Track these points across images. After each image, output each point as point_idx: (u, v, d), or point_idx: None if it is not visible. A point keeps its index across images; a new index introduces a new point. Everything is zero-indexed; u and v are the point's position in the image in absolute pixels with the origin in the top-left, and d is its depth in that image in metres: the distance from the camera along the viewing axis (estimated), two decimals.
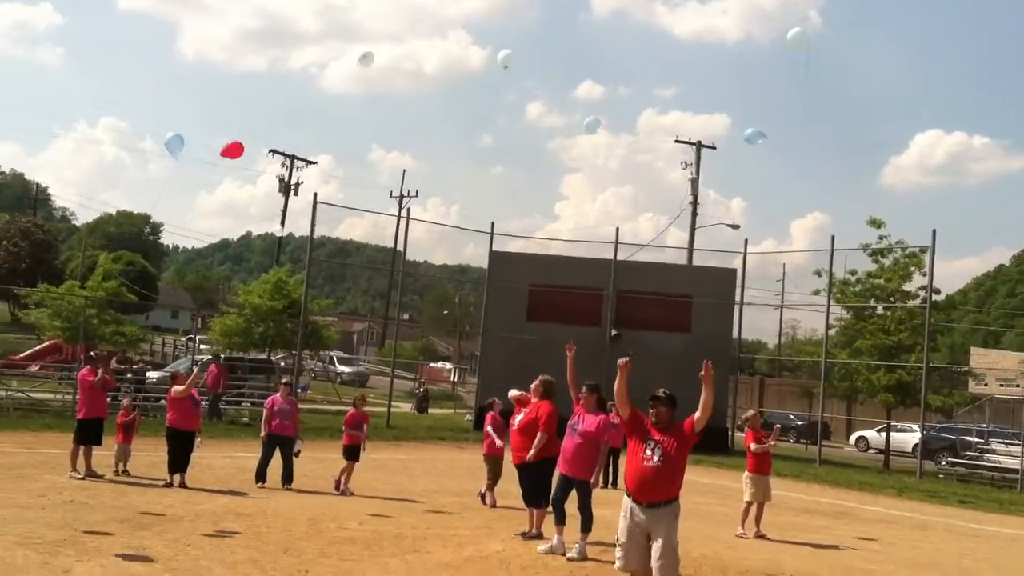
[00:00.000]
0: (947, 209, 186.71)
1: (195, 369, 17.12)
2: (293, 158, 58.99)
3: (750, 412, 15.37)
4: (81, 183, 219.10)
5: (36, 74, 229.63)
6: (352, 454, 15.06)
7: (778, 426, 15.30)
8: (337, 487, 14.83)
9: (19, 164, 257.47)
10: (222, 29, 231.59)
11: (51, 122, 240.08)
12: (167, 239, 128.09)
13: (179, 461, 14.05)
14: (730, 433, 30.42)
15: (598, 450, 10.82)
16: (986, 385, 38.74)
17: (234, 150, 24.43)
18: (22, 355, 36.70)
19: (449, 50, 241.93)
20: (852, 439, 42.01)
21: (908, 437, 35.52)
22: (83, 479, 13.88)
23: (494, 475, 14.48)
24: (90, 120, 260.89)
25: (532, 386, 11.89)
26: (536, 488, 11.32)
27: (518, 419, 11.79)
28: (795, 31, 24.03)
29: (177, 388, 14.54)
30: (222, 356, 30.10)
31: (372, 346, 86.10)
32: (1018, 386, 32.82)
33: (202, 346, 37.28)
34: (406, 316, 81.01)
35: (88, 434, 14.28)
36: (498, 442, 14.21)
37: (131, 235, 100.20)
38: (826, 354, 30.59)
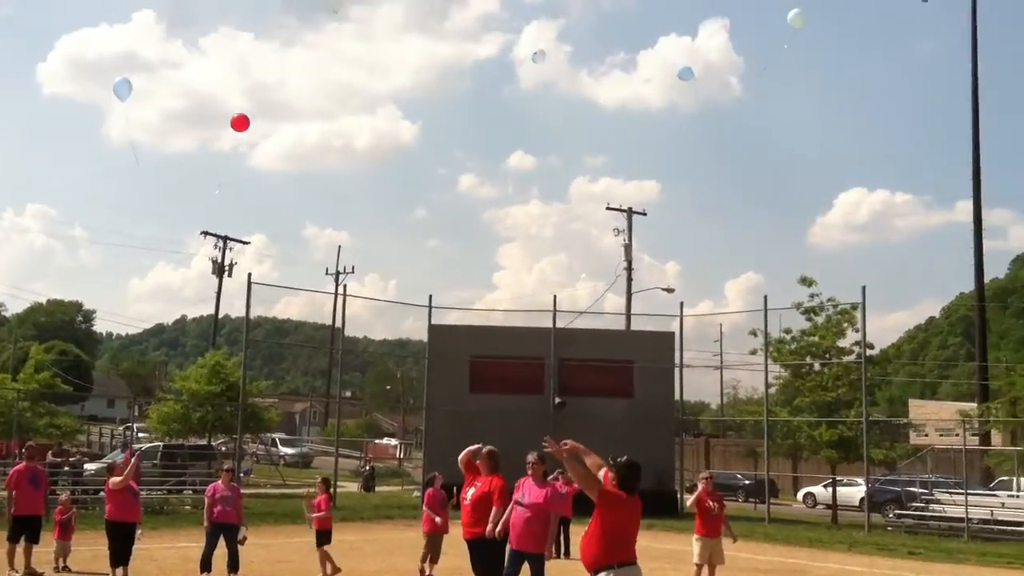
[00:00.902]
0: (875, 265, 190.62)
1: (132, 459, 16.74)
2: (226, 239, 58.48)
3: (704, 473, 15.41)
4: (10, 273, 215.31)
5: None
6: (324, 538, 14.91)
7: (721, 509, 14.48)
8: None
9: None
10: (148, 111, 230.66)
11: None
12: (100, 326, 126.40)
13: (121, 554, 13.65)
14: (679, 496, 30.42)
15: (548, 522, 10.71)
16: (926, 436, 39.43)
17: (241, 122, 23.57)
18: None
19: (379, 125, 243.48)
20: (800, 495, 42.21)
21: (854, 491, 35.77)
22: None
23: (434, 552, 14.47)
24: (17, 208, 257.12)
25: (475, 460, 11.56)
26: (490, 565, 11.14)
27: (469, 493, 11.60)
28: (795, 12, 24.65)
29: (114, 479, 14.18)
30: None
31: (315, 426, 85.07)
32: (957, 435, 33.44)
33: (140, 434, 36.55)
34: (348, 393, 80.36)
35: (23, 531, 13.86)
36: (437, 519, 14.23)
37: (63, 323, 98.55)
38: (767, 413, 30.83)
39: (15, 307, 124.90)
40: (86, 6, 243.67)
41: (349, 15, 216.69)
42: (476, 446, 11.47)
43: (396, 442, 64.48)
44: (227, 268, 58.16)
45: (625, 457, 7.74)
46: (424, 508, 14.54)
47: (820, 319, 31.13)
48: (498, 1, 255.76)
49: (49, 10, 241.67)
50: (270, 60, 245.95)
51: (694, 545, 13.88)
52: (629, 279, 49.74)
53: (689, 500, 13.83)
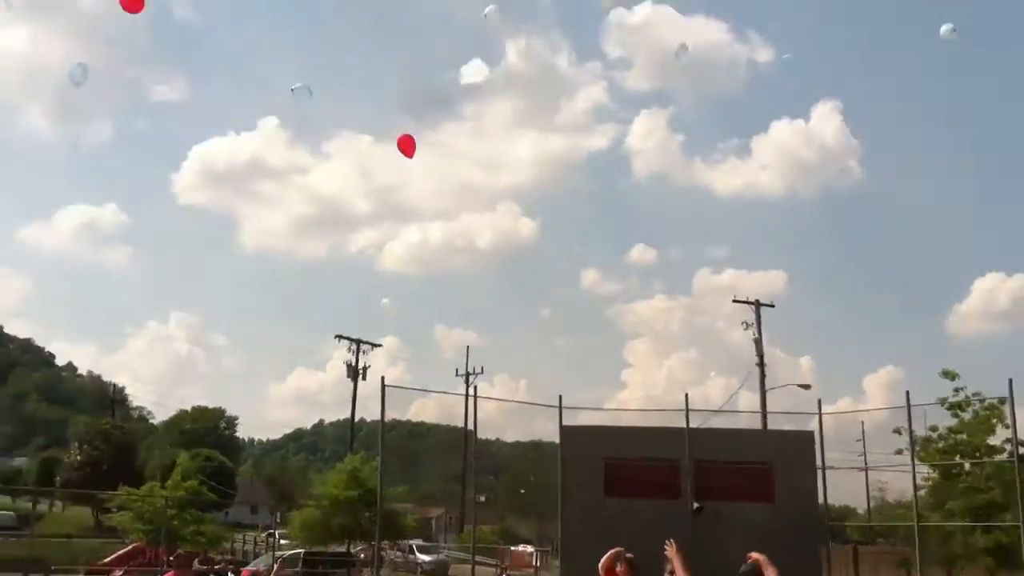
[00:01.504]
0: (1021, 354, 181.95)
1: (275, 567, 17.10)
2: (359, 342, 59.80)
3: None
4: (156, 381, 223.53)
5: (105, 274, 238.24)
6: None
7: None
8: None
9: (96, 366, 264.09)
10: (279, 218, 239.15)
11: (123, 321, 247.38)
12: (242, 432, 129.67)
13: None
14: None
15: None
16: None
17: (407, 144, 24.04)
18: (106, 560, 36.89)
19: (499, 222, 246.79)
20: None
21: None
22: None
23: None
24: (161, 317, 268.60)
25: (617, 565, 11.41)
26: None
27: None
28: (946, 27, 24.84)
29: None
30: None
31: (451, 532, 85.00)
32: None
33: (282, 541, 37.22)
34: (482, 498, 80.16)
35: None
36: None
37: (207, 430, 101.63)
38: (917, 517, 29.57)
39: (162, 414, 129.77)
40: (214, 116, 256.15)
41: (463, 113, 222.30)
42: (618, 549, 11.35)
43: (532, 549, 63.88)
44: (361, 371, 59.39)
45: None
46: None
47: (966, 415, 29.94)
48: (607, 92, 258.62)
49: (180, 120, 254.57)
50: (390, 161, 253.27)
51: None
52: (762, 375, 48.78)
53: None
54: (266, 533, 46.27)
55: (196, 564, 24.52)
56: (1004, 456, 28.94)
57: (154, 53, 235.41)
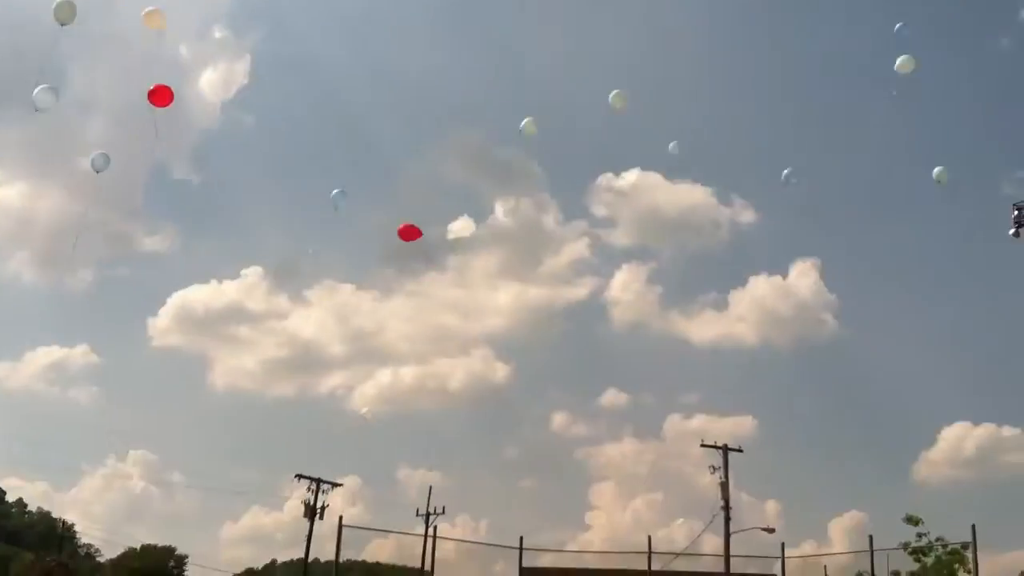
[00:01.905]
0: (986, 501, 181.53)
1: None
2: (319, 481, 58.81)
3: None
4: (108, 518, 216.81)
5: (68, 413, 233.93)
6: None
7: None
8: None
9: (47, 503, 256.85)
10: (251, 360, 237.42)
11: (80, 459, 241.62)
12: (192, 572, 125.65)
13: None
14: None
15: None
16: None
17: (410, 234, 22.98)
18: None
19: (473, 367, 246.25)
20: None
21: None
22: None
23: None
24: (120, 454, 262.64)
25: None
26: None
27: None
28: (938, 170, 25.81)
29: None
30: None
31: None
32: None
33: None
34: None
35: None
36: None
37: (155, 569, 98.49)
38: None
39: (109, 552, 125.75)
40: (199, 264, 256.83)
41: (446, 265, 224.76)
42: None
43: None
44: (319, 511, 58.13)
45: None
46: None
47: (930, 560, 29.73)
48: (589, 247, 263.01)
49: (163, 269, 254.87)
50: (369, 308, 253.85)
51: None
52: (727, 519, 48.26)
53: None
54: None
55: None
56: None
57: (148, 208, 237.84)
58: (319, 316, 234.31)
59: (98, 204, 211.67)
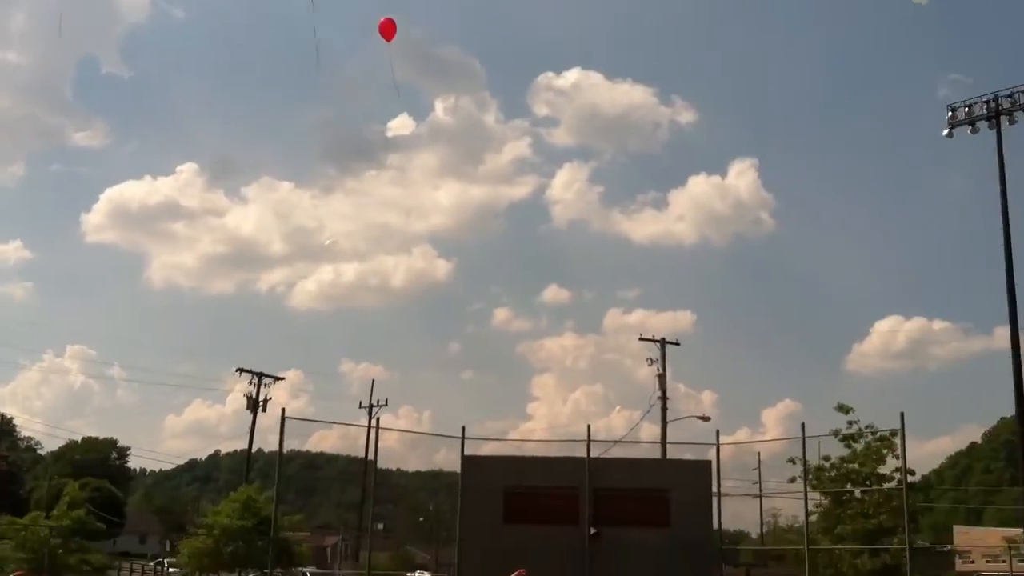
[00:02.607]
0: (914, 391, 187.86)
1: None
2: (260, 375, 59.24)
3: None
4: (47, 413, 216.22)
5: (3, 308, 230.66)
6: None
7: None
8: None
9: None
10: (190, 256, 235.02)
11: (18, 354, 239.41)
12: (134, 463, 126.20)
13: None
14: None
15: None
16: (972, 563, 38.38)
17: (387, 29, 23.21)
18: None
19: (414, 264, 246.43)
20: None
21: None
22: None
23: None
24: (57, 350, 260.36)
25: None
26: None
27: None
28: None
29: None
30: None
31: (347, 560, 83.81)
32: (1004, 562, 32.51)
33: (171, 570, 36.24)
34: (380, 526, 79.36)
35: None
36: None
37: (97, 461, 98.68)
38: (808, 541, 30.14)
39: (51, 445, 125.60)
40: (132, 161, 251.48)
41: (386, 163, 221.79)
42: (521, 571, 11.23)
43: (429, 575, 63.38)
44: (262, 404, 58.69)
45: None
46: None
47: (859, 446, 30.76)
48: (530, 146, 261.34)
49: (96, 165, 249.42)
50: (309, 206, 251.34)
51: None
52: (664, 408, 49.51)
53: None
54: (154, 562, 45.00)
55: None
56: (893, 484, 29.74)
57: (78, 102, 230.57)
58: (258, 213, 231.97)
59: (24, 97, 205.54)
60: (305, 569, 50.59)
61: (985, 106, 38.09)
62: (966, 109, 38.58)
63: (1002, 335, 39.18)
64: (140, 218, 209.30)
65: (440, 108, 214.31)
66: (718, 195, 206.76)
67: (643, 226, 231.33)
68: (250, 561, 34.01)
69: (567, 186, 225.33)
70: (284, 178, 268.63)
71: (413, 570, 71.65)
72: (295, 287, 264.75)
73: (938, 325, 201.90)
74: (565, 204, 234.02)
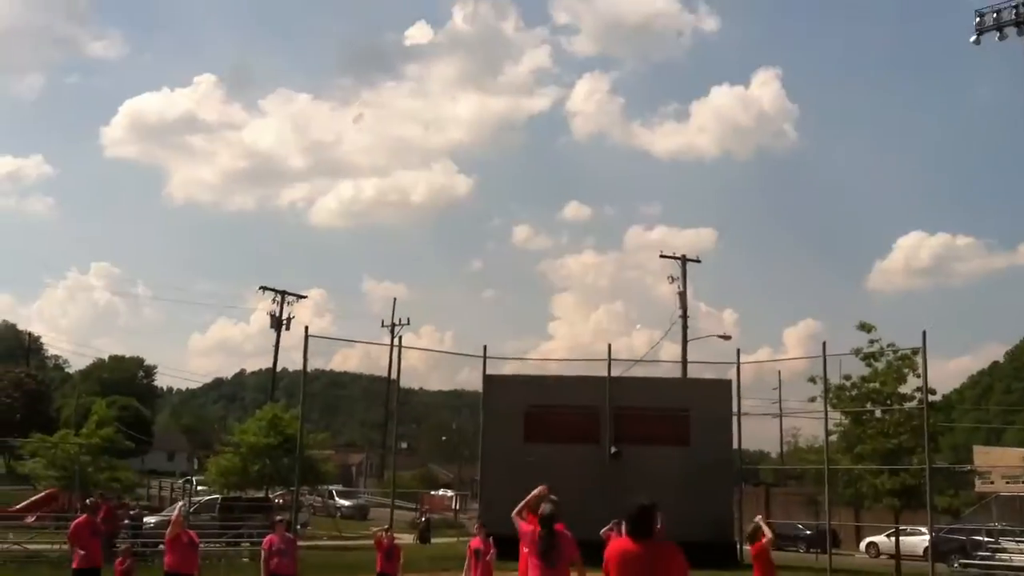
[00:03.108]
0: (936, 310, 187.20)
1: (180, 510, 16.99)
2: (284, 293, 59.53)
3: (759, 519, 15.03)
4: (74, 331, 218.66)
5: (26, 224, 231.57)
6: None
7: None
8: None
9: (11, 315, 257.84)
10: (210, 171, 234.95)
11: (42, 271, 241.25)
12: (161, 382, 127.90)
13: None
14: (738, 546, 29.93)
15: None
16: (992, 483, 38.49)
17: None
18: (18, 506, 36.16)
19: (434, 180, 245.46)
20: (862, 546, 41.34)
21: (918, 540, 34.97)
22: None
23: None
24: (81, 267, 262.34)
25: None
26: None
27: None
28: None
29: (169, 530, 14.40)
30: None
31: (371, 477, 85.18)
32: (1023, 482, 32.62)
33: (199, 487, 36.91)
34: (404, 445, 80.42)
35: None
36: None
37: (125, 380, 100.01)
38: (828, 461, 30.34)
39: (78, 364, 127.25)
40: (149, 72, 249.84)
41: (404, 74, 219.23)
42: (542, 487, 11.19)
43: (452, 493, 64.35)
44: (285, 322, 59.11)
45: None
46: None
47: (880, 365, 30.70)
48: (550, 56, 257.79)
49: (113, 76, 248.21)
50: (327, 119, 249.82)
51: None
52: (684, 327, 49.52)
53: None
54: (183, 480, 45.82)
55: (111, 509, 24.15)
56: (914, 404, 29.76)
57: (93, 12, 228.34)
58: (276, 126, 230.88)
59: (39, 5, 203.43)
60: (330, 487, 51.46)
61: (1014, 11, 37.22)
62: (994, 15, 37.71)
63: None
64: (159, 131, 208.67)
65: (459, 15, 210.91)
66: (741, 106, 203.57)
67: (664, 139, 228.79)
68: (276, 479, 34.59)
69: (587, 97, 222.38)
70: (302, 90, 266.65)
71: (436, 488, 72.78)
72: (315, 204, 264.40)
73: (962, 241, 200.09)
74: (585, 116, 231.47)
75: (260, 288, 59.43)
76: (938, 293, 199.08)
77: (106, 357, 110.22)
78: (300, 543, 17.25)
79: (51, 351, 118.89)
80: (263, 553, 14.96)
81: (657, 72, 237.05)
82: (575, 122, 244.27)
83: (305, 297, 64.17)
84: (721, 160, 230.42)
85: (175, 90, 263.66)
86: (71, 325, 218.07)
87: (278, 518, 16.47)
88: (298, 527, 30.25)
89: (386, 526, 16.89)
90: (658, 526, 7.44)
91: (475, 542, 14.52)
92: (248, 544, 28.33)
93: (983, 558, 28.29)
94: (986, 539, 30.15)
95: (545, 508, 10.01)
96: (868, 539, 40.93)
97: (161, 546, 18.50)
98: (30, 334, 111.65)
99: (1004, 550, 28.40)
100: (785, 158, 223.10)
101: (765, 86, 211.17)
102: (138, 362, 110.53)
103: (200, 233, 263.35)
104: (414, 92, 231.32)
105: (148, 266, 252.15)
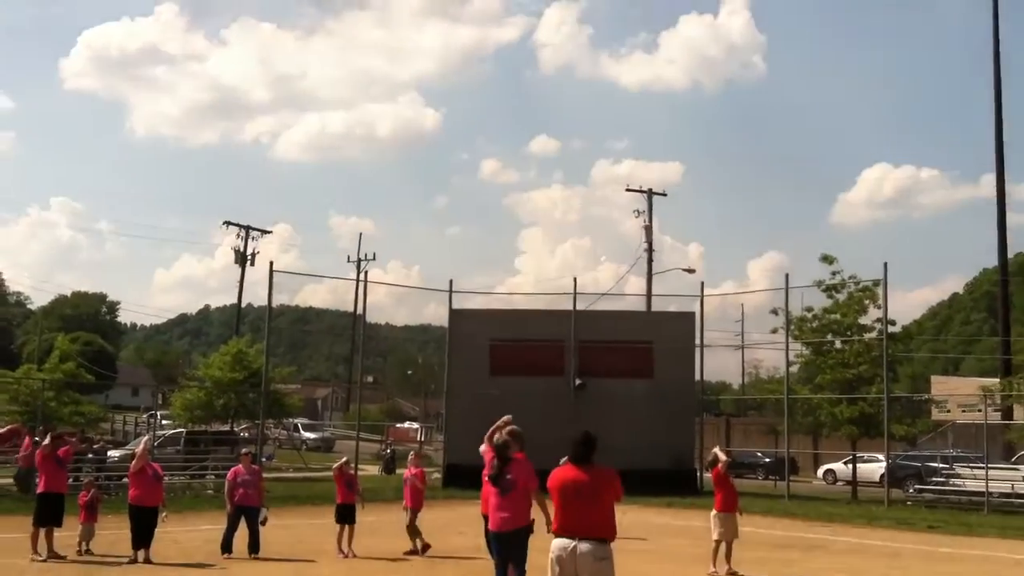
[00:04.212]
0: (899, 242, 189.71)
1: (145, 443, 17.00)
2: (248, 228, 59.13)
3: (716, 449, 15.31)
4: (36, 267, 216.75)
5: None
6: (345, 516, 15.31)
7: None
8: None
9: None
10: (172, 104, 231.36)
11: (2, 207, 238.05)
12: (124, 317, 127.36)
13: (143, 536, 13.85)
14: (698, 474, 30.43)
15: None
16: (948, 412, 39.22)
17: None
18: None
19: (401, 113, 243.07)
20: (820, 473, 42.12)
21: (875, 467, 35.68)
22: (45, 561, 13.65)
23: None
24: (42, 203, 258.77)
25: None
26: None
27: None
28: None
29: (134, 463, 14.42)
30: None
31: (337, 411, 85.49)
32: (979, 411, 33.25)
33: (163, 422, 36.86)
34: (370, 379, 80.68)
35: (48, 514, 14.06)
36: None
37: (88, 316, 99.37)
38: (788, 391, 30.78)
39: (40, 300, 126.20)
40: (108, 0, 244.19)
41: (368, 2, 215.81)
42: (507, 417, 11.40)
43: (417, 426, 64.80)
44: (249, 257, 58.77)
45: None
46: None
47: (842, 297, 31.05)
48: None
49: (71, 5, 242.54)
50: (291, 50, 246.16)
51: (712, 521, 13.96)
52: (650, 260, 49.78)
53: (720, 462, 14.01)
54: (147, 414, 45.77)
55: (74, 441, 24.10)
56: (874, 335, 30.19)
57: None
58: (239, 57, 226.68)
59: None
60: (296, 420, 51.58)
61: None
62: None
63: (990, 183, 39.20)
64: (120, 63, 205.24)
65: None
66: (710, 36, 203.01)
67: (633, 70, 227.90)
68: (242, 412, 34.60)
69: (555, 28, 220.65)
70: (265, 19, 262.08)
71: (402, 421, 73.19)
72: (280, 137, 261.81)
73: (926, 173, 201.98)
74: (554, 48, 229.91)
75: (224, 223, 59.03)
76: (901, 226, 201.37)
77: (68, 293, 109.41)
78: (265, 475, 17.33)
79: (12, 287, 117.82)
80: (228, 484, 15.05)
81: (625, 2, 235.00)
82: (543, 54, 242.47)
83: (270, 232, 63.94)
84: (689, 92, 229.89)
85: (135, 19, 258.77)
86: (32, 261, 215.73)
87: (243, 450, 16.53)
88: (263, 459, 30.37)
89: (345, 458, 16.97)
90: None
91: (408, 471, 16.36)
92: (213, 477, 28.43)
93: (937, 484, 28.93)
94: (941, 465, 30.80)
95: (498, 438, 10.22)
96: (826, 466, 41.70)
97: (125, 479, 18.54)
98: None
99: (958, 476, 29.04)
100: (753, 90, 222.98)
101: (734, 15, 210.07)
102: (101, 298, 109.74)
103: (163, 168, 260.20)
104: (380, 21, 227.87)
105: (110, 201, 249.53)
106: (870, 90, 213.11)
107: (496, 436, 10.42)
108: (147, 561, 13.61)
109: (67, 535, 14.52)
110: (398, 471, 38.06)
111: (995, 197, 41.95)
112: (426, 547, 15.32)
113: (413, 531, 15.54)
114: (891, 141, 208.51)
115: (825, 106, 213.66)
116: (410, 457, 17.63)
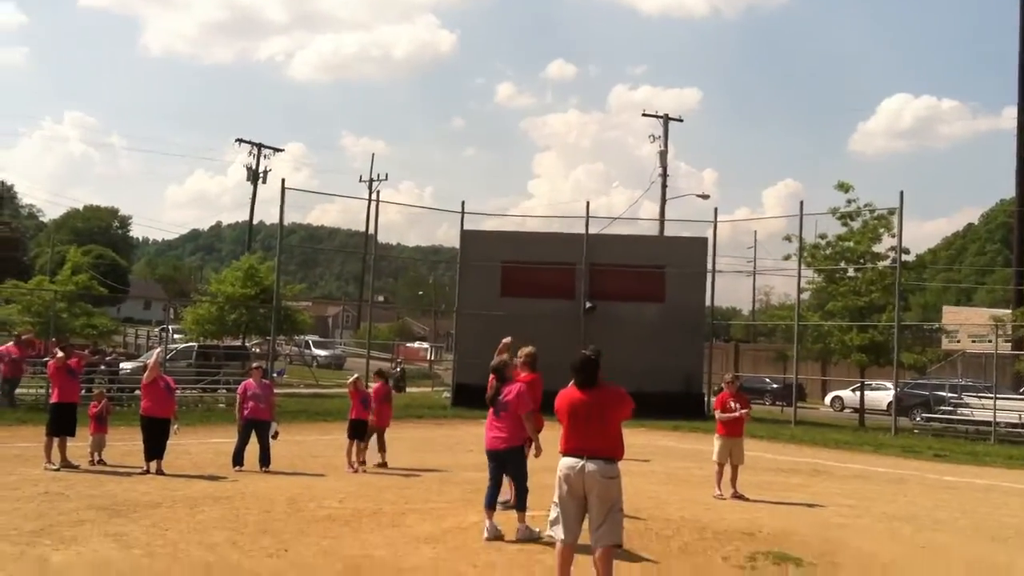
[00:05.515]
0: (917, 172, 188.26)
1: (157, 355, 17.08)
2: (260, 146, 58.90)
3: (728, 375, 15.27)
4: (49, 180, 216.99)
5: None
6: (358, 431, 15.58)
7: (744, 412, 14.12)
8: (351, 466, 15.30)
9: None
10: (188, 22, 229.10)
11: (16, 121, 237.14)
12: (136, 232, 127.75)
13: (155, 448, 13.98)
14: (706, 399, 30.56)
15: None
16: (958, 341, 39.26)
17: None
18: None
19: (417, 35, 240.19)
20: (827, 399, 42.34)
21: (882, 395, 35.81)
22: (58, 470, 13.80)
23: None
24: (56, 117, 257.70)
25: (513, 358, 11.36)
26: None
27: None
28: None
29: (146, 375, 14.49)
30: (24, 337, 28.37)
31: (348, 329, 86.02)
32: (989, 341, 33.21)
33: (175, 336, 37.07)
34: (381, 298, 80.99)
35: (61, 423, 14.20)
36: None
37: (100, 229, 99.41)
38: (798, 317, 30.75)
39: (53, 213, 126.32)
40: None
41: None
42: (507, 339, 11.55)
43: (427, 345, 65.13)
44: (262, 175, 58.63)
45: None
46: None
47: (856, 225, 30.84)
48: None
49: None
50: None
51: (714, 444, 14.03)
52: (664, 186, 49.44)
53: (718, 414, 14.04)
54: (159, 328, 46.04)
55: (86, 354, 24.27)
56: (887, 263, 30.05)
57: None
58: None
59: None
60: (307, 337, 51.88)
61: None
62: None
63: (1010, 115, 38.67)
64: None
65: None
66: None
67: None
68: (253, 328, 34.75)
69: None
70: None
71: (412, 340, 73.59)
72: (295, 57, 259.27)
73: (947, 104, 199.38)
74: None
75: (237, 140, 58.77)
76: (920, 156, 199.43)
77: (81, 207, 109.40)
78: (276, 391, 17.45)
79: (25, 200, 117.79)
80: (238, 398, 15.15)
81: None
82: None
83: (283, 151, 63.67)
84: (709, 18, 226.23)
85: None
86: (46, 175, 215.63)
87: (254, 365, 16.60)
88: (275, 375, 30.59)
89: (356, 375, 17.10)
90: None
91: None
92: (224, 391, 28.69)
93: (945, 413, 29.01)
94: (949, 394, 30.85)
95: (495, 360, 10.32)
96: (833, 393, 41.88)
97: (137, 391, 18.69)
98: (3, 183, 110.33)
99: (966, 405, 29.10)
100: (774, 16, 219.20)
101: None
102: (113, 212, 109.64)
103: (177, 85, 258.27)
104: None
105: (124, 117, 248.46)
106: (893, 19, 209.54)
107: (495, 358, 10.53)
108: (159, 472, 13.75)
109: (80, 445, 14.67)
110: (408, 389, 38.43)
111: (1016, 130, 41.45)
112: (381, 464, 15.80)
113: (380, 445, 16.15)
114: (912, 71, 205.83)
115: (847, 33, 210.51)
116: (373, 377, 18.42)
